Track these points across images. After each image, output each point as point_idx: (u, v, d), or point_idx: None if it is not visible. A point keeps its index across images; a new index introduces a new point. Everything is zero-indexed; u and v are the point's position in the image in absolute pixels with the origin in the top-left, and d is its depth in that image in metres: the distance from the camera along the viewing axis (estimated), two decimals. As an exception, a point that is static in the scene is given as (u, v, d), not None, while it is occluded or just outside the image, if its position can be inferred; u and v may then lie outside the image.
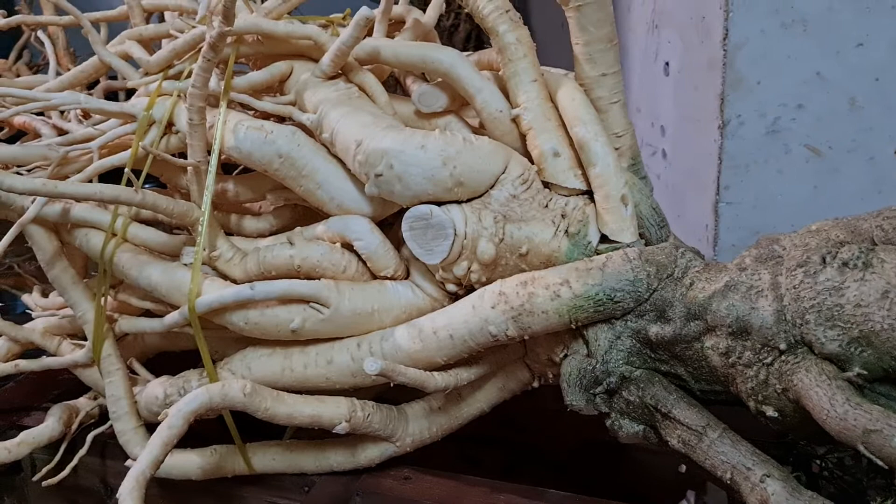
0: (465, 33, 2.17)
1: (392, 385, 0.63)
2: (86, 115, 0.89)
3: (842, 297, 0.52)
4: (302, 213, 0.77)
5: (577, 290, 0.61)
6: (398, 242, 0.70)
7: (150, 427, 0.75)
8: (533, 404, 0.77)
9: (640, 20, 1.15)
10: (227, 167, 0.84)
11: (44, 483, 0.78)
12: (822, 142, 0.92)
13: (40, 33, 1.14)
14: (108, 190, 0.65)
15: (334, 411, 0.65)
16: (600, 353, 0.62)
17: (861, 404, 0.49)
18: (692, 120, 0.98)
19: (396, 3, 0.84)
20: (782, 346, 0.54)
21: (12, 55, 1.34)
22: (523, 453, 0.85)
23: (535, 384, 0.72)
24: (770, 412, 0.55)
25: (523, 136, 0.68)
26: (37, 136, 0.88)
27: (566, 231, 0.64)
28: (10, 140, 0.92)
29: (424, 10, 0.84)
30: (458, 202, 0.65)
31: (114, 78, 0.97)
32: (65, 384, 0.92)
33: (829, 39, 0.87)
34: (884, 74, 0.88)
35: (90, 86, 0.97)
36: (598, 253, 0.64)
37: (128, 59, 0.85)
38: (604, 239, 0.64)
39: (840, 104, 0.90)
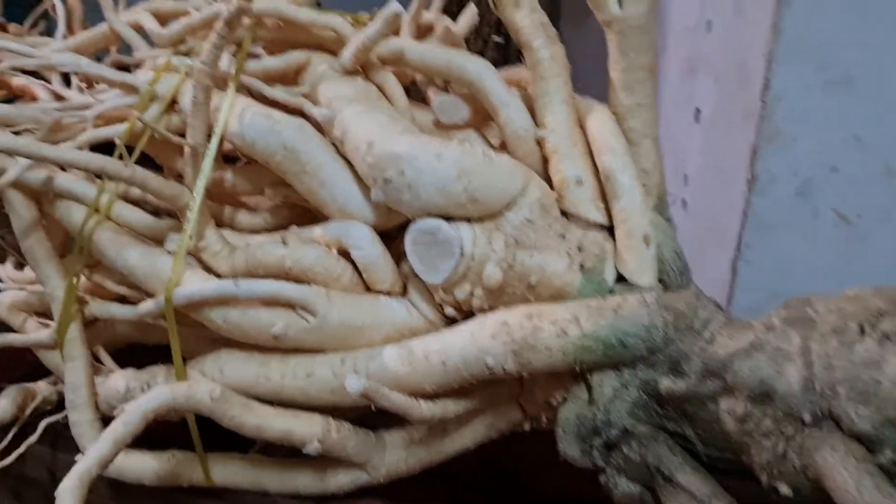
0: (491, 62, 2.14)
1: (373, 409, 0.57)
2: (89, 84, 0.85)
3: (880, 373, 0.47)
4: (300, 213, 0.72)
5: (587, 330, 0.56)
6: (398, 257, 0.65)
7: (109, 421, 0.70)
8: (520, 448, 0.72)
9: (673, 62, 1.11)
10: (229, 159, 0.80)
11: (-15, 468, 0.73)
12: (853, 209, 0.87)
13: (58, 2, 1.10)
14: (95, 159, 0.60)
15: (307, 429, 0.60)
16: (603, 402, 0.57)
17: (893, 494, 0.43)
18: (720, 171, 0.94)
19: (427, 8, 0.80)
20: (807, 419, 0.49)
21: (28, 21, 1.29)
22: (503, 500, 0.79)
23: (527, 427, 0.66)
24: (784, 489, 0.50)
25: (546, 160, 0.64)
26: (34, 101, 0.83)
27: (581, 265, 0.59)
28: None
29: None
30: (469, 220, 0.60)
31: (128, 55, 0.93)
32: (30, 366, 0.86)
33: (873, 102, 0.83)
34: (926, 146, 0.84)
35: (100, 59, 0.93)
36: (612, 293, 0.59)
37: (140, 31, 0.81)
38: (620, 279, 0.60)
39: (876, 171, 0.85)
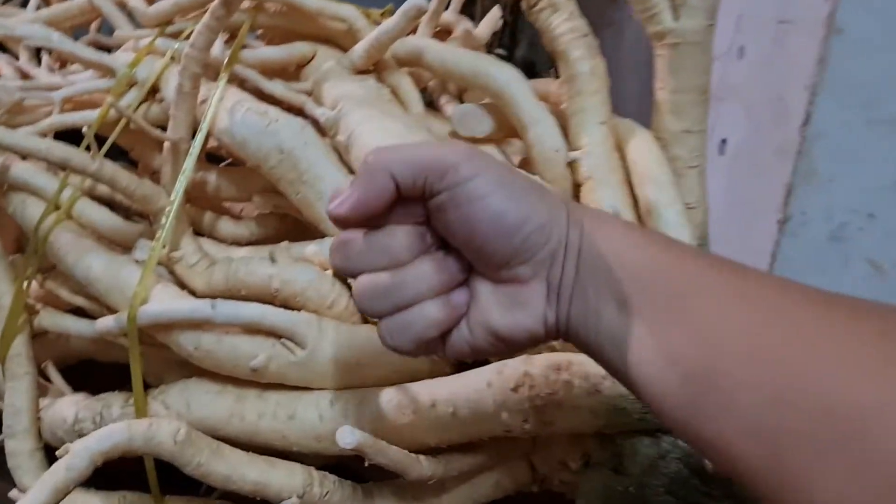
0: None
1: (367, 464, 0.49)
2: (61, 64, 0.76)
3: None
4: (291, 226, 0.64)
5: (623, 389, 0.47)
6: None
7: (52, 451, 0.61)
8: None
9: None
10: (212, 158, 0.71)
11: None
12: (889, 258, 0.80)
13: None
14: (59, 149, 0.51)
15: (285, 481, 0.51)
16: (637, 473, 0.49)
17: None
18: (746, 208, 0.87)
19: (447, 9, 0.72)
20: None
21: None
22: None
23: (535, 489, 0.58)
24: None
25: (577, 185, 0.56)
26: (-3, 77, 0.74)
27: (615, 310, 0.51)
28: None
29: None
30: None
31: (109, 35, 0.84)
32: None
33: (920, 147, 0.77)
34: (972, 197, 0.77)
35: (77, 37, 0.84)
36: (649, 345, 0.51)
37: (124, 8, 0.72)
38: (658, 329, 0.52)
39: (917, 221, 0.79)
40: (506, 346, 0.37)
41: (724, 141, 0.94)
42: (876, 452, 0.26)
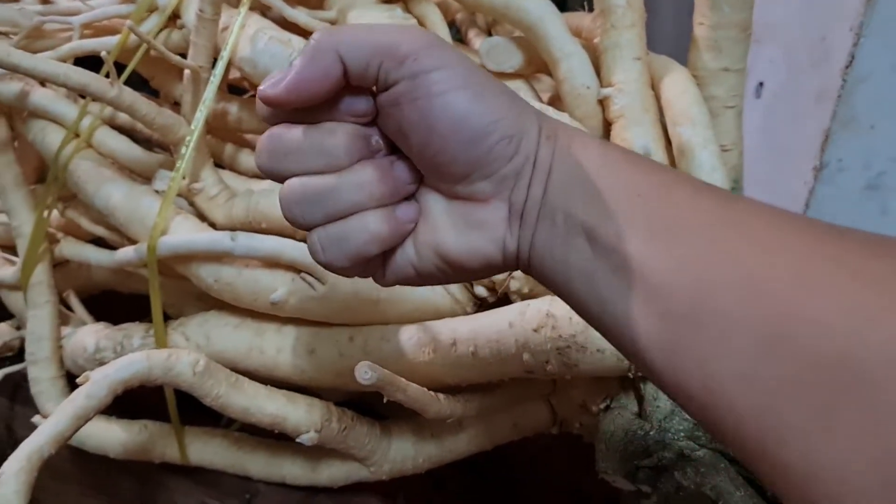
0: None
1: (385, 401, 0.48)
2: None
3: None
4: (314, 159, 0.62)
5: (649, 333, 0.46)
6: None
7: (73, 378, 0.61)
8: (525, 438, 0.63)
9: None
10: (233, 89, 0.70)
11: (-69, 418, 0.64)
12: (927, 210, 0.78)
13: None
14: (77, 74, 0.50)
15: (303, 416, 0.51)
16: (658, 418, 0.48)
17: None
18: (781, 154, 0.84)
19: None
20: None
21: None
22: (497, 486, 0.71)
23: (555, 430, 0.58)
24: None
25: (608, 123, 0.55)
26: (14, 1, 0.72)
27: (643, 253, 0.50)
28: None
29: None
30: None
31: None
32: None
33: (969, 94, 0.74)
34: None
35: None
36: (677, 289, 0.50)
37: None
38: (686, 273, 0.50)
39: (959, 172, 0.76)
40: (455, 273, 0.32)
41: (760, 84, 0.91)
42: (887, 408, 0.22)
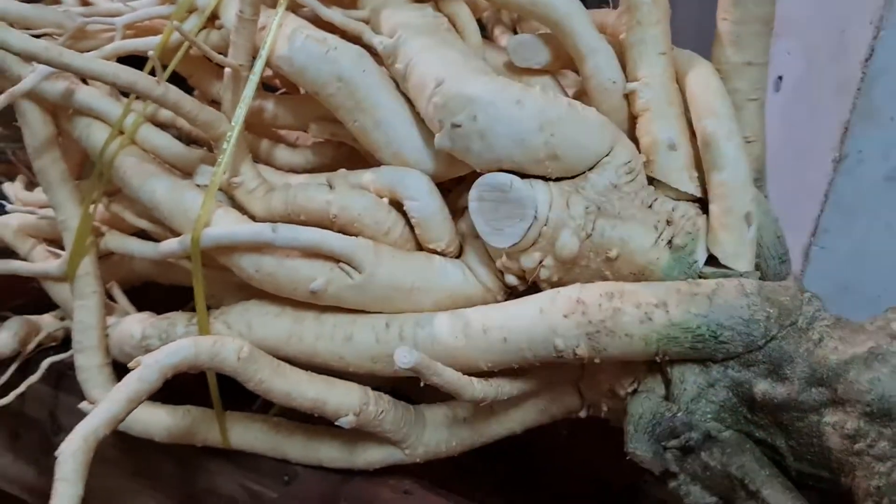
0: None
1: (422, 385, 0.50)
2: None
3: None
4: (347, 154, 0.64)
5: (676, 318, 0.48)
6: (454, 214, 0.58)
7: (118, 367, 0.63)
8: (546, 426, 0.65)
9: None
10: (266, 87, 0.72)
11: (-18, 405, 0.67)
12: (946, 201, 0.79)
13: None
14: (125, 72, 0.52)
15: (343, 400, 0.53)
16: (685, 400, 0.50)
17: None
18: (801, 147, 0.86)
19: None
20: (936, 446, 0.42)
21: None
22: (521, 474, 0.73)
23: (583, 414, 0.60)
24: (894, 522, 0.43)
25: (634, 118, 0.56)
26: (57, 3, 0.75)
27: (669, 242, 0.52)
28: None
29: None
30: (545, 179, 0.52)
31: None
32: (33, 294, 0.79)
33: None
34: None
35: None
36: (702, 277, 0.51)
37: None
38: (710, 261, 0.52)
39: (979, 163, 0.77)
40: None
41: (780, 78, 0.92)
42: None
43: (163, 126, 0.64)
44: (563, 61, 0.60)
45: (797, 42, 0.91)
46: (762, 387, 0.47)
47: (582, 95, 0.60)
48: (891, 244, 0.81)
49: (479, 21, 0.72)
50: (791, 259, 0.84)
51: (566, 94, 0.62)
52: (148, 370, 0.47)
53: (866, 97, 0.77)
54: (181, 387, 0.59)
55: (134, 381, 0.47)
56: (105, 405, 0.46)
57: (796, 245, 0.83)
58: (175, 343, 0.49)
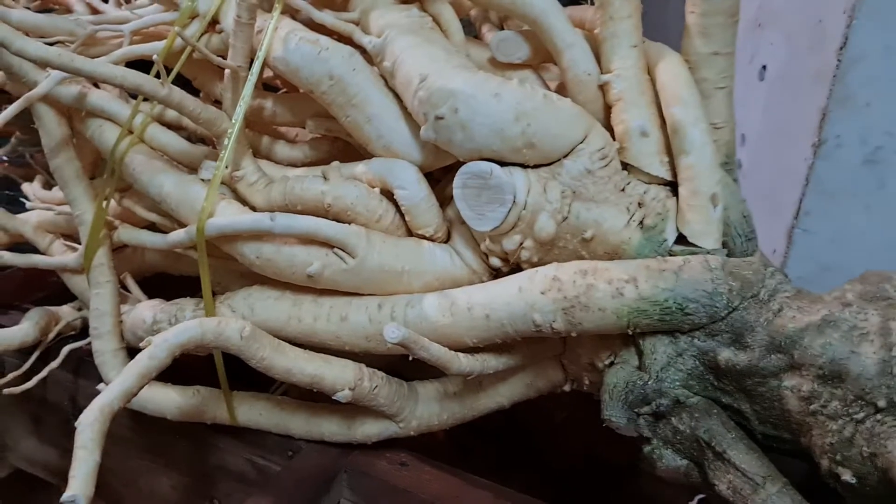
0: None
1: (410, 359, 0.54)
2: None
3: (969, 361, 0.43)
4: (342, 148, 0.68)
5: (645, 292, 0.52)
6: (442, 202, 0.62)
7: (132, 352, 0.68)
8: (539, 404, 0.69)
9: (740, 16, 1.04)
10: (266, 87, 0.76)
11: (6, 390, 0.71)
12: (924, 183, 0.82)
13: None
14: (132, 76, 0.56)
15: (339, 375, 0.57)
16: (655, 369, 0.53)
17: (977, 493, 0.40)
18: (783, 133, 0.89)
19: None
20: (881, 404, 0.45)
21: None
22: (518, 454, 0.77)
23: (567, 388, 0.63)
24: (847, 476, 0.46)
25: (608, 107, 0.60)
26: (69, 13, 0.79)
27: (641, 222, 0.55)
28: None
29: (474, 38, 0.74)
30: (524, 166, 0.56)
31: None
32: (52, 287, 0.84)
33: (958, 70, 0.77)
34: None
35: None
36: (672, 254, 0.55)
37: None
38: (680, 240, 0.56)
39: (953, 145, 0.80)
40: None
41: (764, 67, 0.96)
42: None
43: (170, 126, 0.69)
44: (543, 56, 0.64)
45: (780, 32, 0.94)
46: (726, 355, 0.51)
47: (563, 88, 0.64)
48: (870, 225, 0.83)
49: (466, 19, 0.76)
50: (774, 240, 0.88)
51: (547, 87, 0.65)
52: (158, 348, 0.51)
53: (842, 84, 0.80)
54: (189, 370, 0.64)
55: (145, 359, 0.51)
56: (119, 380, 0.50)
57: (780, 228, 0.87)
58: (182, 324, 0.53)
